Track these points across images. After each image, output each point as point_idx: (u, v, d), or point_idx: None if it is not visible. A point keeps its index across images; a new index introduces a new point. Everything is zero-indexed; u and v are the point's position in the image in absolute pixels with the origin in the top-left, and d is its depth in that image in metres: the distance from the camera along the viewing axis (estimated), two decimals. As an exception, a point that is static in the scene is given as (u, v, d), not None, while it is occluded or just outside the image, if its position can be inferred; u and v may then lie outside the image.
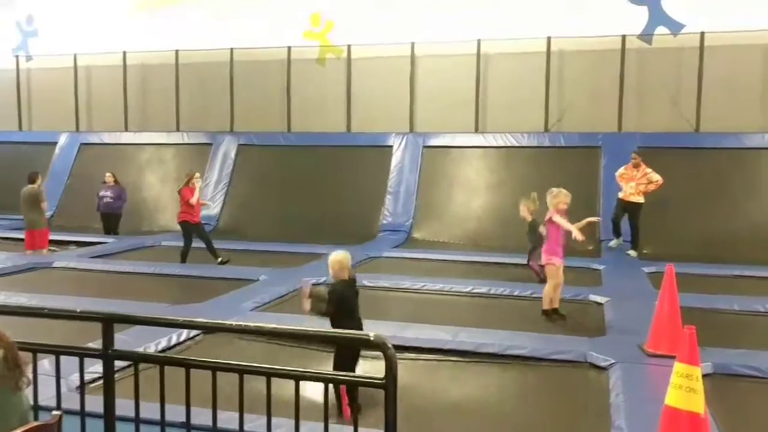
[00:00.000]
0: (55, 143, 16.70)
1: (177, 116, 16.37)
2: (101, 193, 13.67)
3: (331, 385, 3.82)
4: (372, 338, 2.85)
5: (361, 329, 4.80)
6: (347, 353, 4.53)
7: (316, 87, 15.65)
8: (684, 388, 3.81)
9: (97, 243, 12.46)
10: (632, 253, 11.49)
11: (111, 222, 13.69)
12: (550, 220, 7.14)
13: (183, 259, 10.51)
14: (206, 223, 14.44)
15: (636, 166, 11.54)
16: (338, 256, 5.01)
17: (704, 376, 4.39)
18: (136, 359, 3.42)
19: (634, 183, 11.49)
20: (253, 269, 9.90)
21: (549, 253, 7.22)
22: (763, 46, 13.18)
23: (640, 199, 11.53)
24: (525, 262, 9.55)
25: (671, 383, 3.88)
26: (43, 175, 16.15)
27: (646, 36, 13.72)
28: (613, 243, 11.78)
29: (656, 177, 11.45)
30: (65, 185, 15.94)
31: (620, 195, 11.70)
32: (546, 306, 7.28)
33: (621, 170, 11.78)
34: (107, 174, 13.88)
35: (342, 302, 4.76)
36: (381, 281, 9.21)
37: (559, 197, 7.16)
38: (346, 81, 15.34)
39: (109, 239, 12.80)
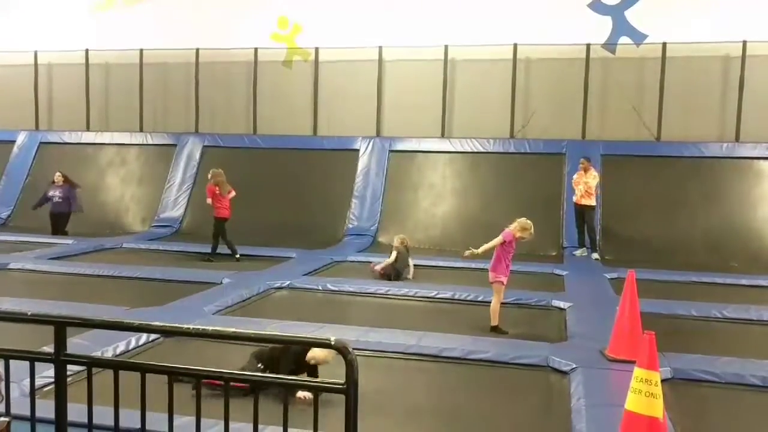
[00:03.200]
0: (13, 142, 16.30)
1: (140, 116, 16.12)
2: (50, 194, 13.47)
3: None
4: (333, 343, 2.82)
5: None
6: None
7: (282, 89, 15.56)
8: (643, 393, 3.85)
9: (55, 244, 12.17)
10: (594, 255, 11.68)
11: (59, 222, 13.45)
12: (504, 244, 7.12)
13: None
14: (169, 225, 14.32)
15: (585, 170, 11.85)
16: None
17: (663, 381, 4.44)
18: (89, 363, 3.32)
19: (582, 186, 11.78)
20: (217, 272, 9.78)
21: (498, 272, 7.16)
22: (723, 58, 13.49)
23: (591, 202, 11.87)
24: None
25: (631, 388, 3.92)
26: (-1, 174, 15.83)
27: (610, 45, 13.95)
28: (578, 252, 11.94)
29: (594, 182, 11.81)
30: (23, 185, 15.55)
31: (574, 199, 12.02)
32: (495, 322, 7.13)
33: (575, 177, 12.14)
34: (57, 174, 13.67)
35: None
36: (346, 285, 9.18)
37: (528, 230, 7.12)
38: (313, 84, 15.28)
39: (69, 240, 12.51)
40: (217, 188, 11.12)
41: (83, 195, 13.91)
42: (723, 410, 5.29)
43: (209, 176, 11.37)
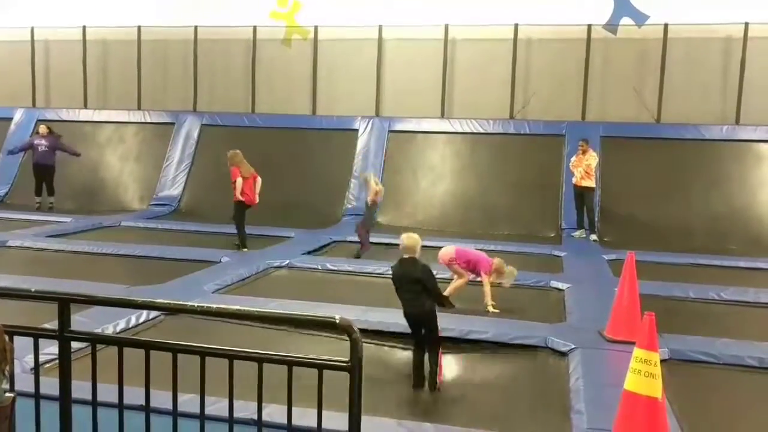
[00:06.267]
0: (10, 119, 16.20)
1: (138, 94, 16.02)
2: (36, 142, 13.43)
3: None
4: (338, 321, 2.83)
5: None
6: None
7: (281, 68, 15.46)
8: (643, 373, 3.87)
9: (53, 222, 12.15)
10: (593, 237, 11.70)
11: (45, 174, 13.46)
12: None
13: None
14: (167, 204, 14.30)
15: (584, 152, 11.86)
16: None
17: (661, 361, 4.47)
18: (93, 340, 3.33)
19: (582, 168, 11.79)
20: (215, 251, 9.78)
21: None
22: (724, 40, 13.41)
23: (591, 183, 11.88)
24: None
25: (630, 368, 3.94)
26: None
27: (612, 26, 13.84)
28: (576, 234, 11.95)
29: (594, 162, 11.81)
30: (21, 163, 15.46)
31: (573, 181, 12.01)
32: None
33: (573, 159, 12.13)
34: (41, 125, 13.68)
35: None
36: (345, 265, 9.19)
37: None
38: (312, 63, 15.19)
39: (67, 218, 12.48)
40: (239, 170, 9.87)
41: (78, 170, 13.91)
42: (720, 391, 5.34)
43: (229, 159, 10.07)
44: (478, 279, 7.33)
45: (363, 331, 4.76)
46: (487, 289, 7.16)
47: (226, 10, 15.27)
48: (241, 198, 9.88)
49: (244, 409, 3.76)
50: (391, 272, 5.50)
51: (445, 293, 7.19)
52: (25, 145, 13.76)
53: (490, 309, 7.06)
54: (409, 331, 6.30)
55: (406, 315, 5.40)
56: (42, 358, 3.62)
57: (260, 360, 2.96)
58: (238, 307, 3.33)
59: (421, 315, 5.34)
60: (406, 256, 5.37)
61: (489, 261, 7.30)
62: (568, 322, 6.74)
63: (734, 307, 7.72)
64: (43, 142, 13.43)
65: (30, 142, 13.68)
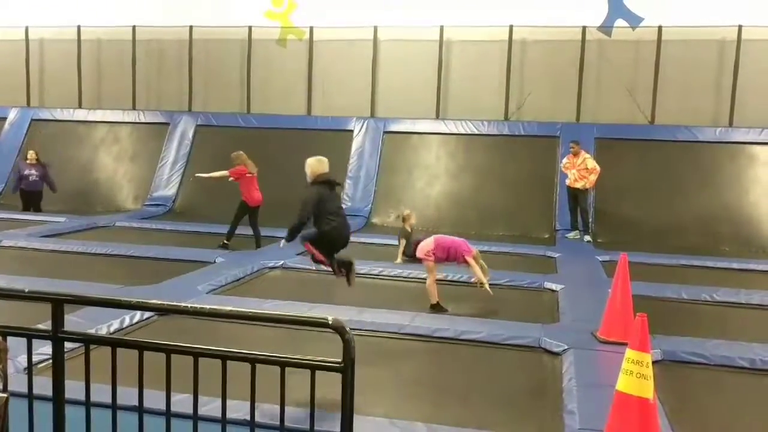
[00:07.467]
0: (4, 118, 16.17)
1: (133, 94, 16.00)
2: (26, 172, 13.46)
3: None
4: (330, 322, 2.84)
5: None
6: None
7: (276, 68, 15.47)
8: (635, 374, 3.89)
9: (47, 222, 12.13)
10: (587, 238, 11.74)
11: (33, 199, 13.49)
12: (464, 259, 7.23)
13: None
14: (162, 204, 14.27)
15: (575, 154, 11.87)
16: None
17: (653, 362, 4.49)
18: (87, 341, 3.33)
19: (575, 170, 11.79)
20: (210, 251, 9.78)
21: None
22: (718, 42, 13.48)
23: (584, 185, 11.87)
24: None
25: (622, 369, 3.96)
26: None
27: (606, 28, 13.90)
28: (570, 235, 11.99)
29: (592, 164, 11.79)
30: (15, 162, 15.43)
31: (567, 182, 12.04)
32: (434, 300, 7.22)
33: (564, 161, 12.15)
34: (30, 152, 13.68)
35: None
36: (339, 265, 9.18)
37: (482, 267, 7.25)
38: (308, 63, 15.19)
39: (61, 218, 12.46)
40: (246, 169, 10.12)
41: (55, 174, 13.84)
42: (711, 392, 5.36)
43: (234, 159, 10.26)
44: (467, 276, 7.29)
45: (356, 332, 4.76)
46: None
47: (222, 10, 15.28)
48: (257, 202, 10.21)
49: (237, 409, 3.76)
50: (316, 195, 5.67)
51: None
52: (19, 176, 13.74)
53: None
54: (401, 330, 6.33)
55: (343, 237, 5.69)
56: (35, 359, 3.61)
57: (253, 360, 2.97)
58: (231, 308, 3.34)
59: (349, 237, 5.78)
60: (322, 177, 5.66)
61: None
62: (561, 322, 6.76)
63: (726, 308, 7.75)
64: (33, 172, 13.43)
65: (20, 174, 13.58)
